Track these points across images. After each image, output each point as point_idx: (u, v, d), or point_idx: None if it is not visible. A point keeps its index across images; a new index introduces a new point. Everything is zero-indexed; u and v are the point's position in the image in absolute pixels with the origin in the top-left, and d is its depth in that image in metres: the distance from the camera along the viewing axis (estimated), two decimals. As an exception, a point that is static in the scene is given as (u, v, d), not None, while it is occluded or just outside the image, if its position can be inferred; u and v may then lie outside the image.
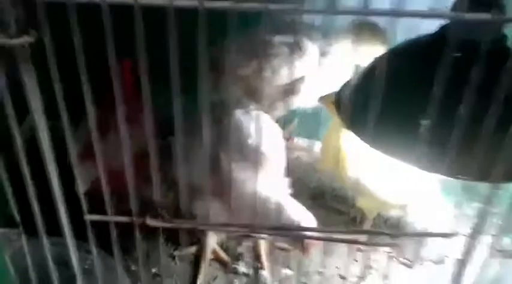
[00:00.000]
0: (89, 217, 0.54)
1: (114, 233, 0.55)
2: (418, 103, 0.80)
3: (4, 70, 0.42)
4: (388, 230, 0.51)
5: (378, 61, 0.83)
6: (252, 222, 0.55)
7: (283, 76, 1.29)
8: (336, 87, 1.30)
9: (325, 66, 1.26)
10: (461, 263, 0.53)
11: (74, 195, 0.53)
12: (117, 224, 0.54)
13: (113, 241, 0.56)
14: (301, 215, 0.78)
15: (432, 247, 1.14)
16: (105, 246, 0.59)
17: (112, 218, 0.54)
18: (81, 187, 0.51)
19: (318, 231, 0.52)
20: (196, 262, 1.09)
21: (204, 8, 0.38)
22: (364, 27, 1.19)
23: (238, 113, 1.01)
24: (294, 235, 0.56)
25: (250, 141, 0.94)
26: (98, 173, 0.50)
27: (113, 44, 0.40)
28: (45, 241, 0.56)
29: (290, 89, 1.31)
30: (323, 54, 1.27)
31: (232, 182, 0.79)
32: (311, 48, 1.27)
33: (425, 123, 0.86)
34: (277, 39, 1.27)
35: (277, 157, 0.98)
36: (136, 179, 0.50)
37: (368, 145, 0.80)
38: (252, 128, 0.97)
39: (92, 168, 0.54)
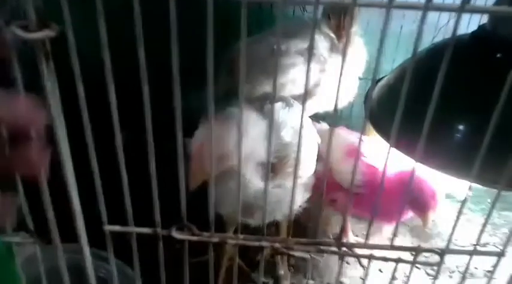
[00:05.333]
0: (108, 228, 0.50)
1: (135, 245, 0.51)
2: (452, 107, 0.76)
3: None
4: (436, 248, 0.47)
5: (410, 62, 0.78)
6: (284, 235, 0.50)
7: (301, 85, 1.23)
8: (349, 89, 1.25)
9: (337, 67, 1.19)
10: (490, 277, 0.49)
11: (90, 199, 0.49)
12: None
13: (133, 254, 0.52)
14: None
15: (460, 258, 1.10)
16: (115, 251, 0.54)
17: (133, 229, 0.50)
18: (100, 197, 0.47)
19: (360, 247, 0.48)
20: (214, 269, 1.04)
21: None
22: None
23: (277, 107, 0.89)
24: (331, 252, 0.51)
25: (287, 139, 0.84)
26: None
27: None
28: (60, 248, 0.52)
29: (306, 94, 1.24)
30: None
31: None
32: (323, 50, 1.19)
33: (458, 127, 0.81)
34: (292, 46, 1.18)
35: (309, 159, 0.90)
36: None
37: (400, 152, 0.76)
38: (289, 125, 0.86)
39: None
